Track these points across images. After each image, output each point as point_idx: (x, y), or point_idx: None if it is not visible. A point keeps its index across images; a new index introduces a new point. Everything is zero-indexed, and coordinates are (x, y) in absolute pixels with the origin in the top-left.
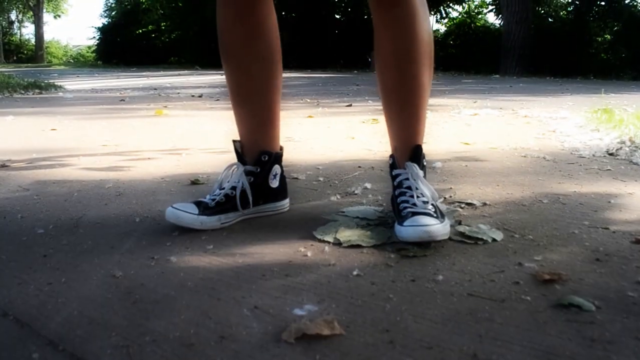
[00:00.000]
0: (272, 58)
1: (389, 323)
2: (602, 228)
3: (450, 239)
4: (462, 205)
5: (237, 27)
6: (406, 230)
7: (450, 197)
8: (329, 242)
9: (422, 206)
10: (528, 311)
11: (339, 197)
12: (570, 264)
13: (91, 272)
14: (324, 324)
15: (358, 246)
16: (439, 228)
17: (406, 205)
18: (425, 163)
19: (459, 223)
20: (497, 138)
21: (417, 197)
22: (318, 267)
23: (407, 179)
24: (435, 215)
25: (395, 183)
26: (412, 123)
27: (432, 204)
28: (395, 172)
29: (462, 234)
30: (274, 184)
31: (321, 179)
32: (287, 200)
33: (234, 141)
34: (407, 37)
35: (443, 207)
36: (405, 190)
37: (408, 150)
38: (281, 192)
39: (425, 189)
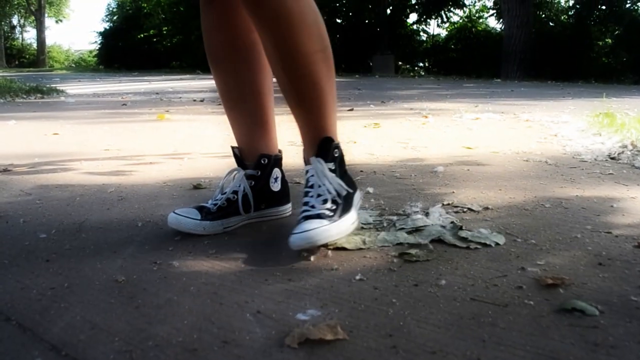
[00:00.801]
0: (258, 59)
1: (392, 328)
2: (604, 232)
3: (450, 243)
4: (464, 210)
5: (220, 29)
6: (291, 239)
7: (452, 201)
8: (322, 247)
9: (318, 207)
10: (531, 316)
11: None
12: (573, 269)
13: (94, 277)
14: (327, 328)
15: (356, 250)
16: (322, 230)
17: (304, 208)
18: (337, 154)
19: (461, 228)
20: (499, 142)
21: (318, 195)
22: (321, 272)
23: (313, 175)
24: (330, 214)
25: (305, 181)
26: (313, 119)
27: (335, 200)
28: (305, 168)
29: (464, 239)
30: (276, 187)
31: None
32: (289, 205)
33: (232, 147)
34: (285, 39)
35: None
36: (308, 189)
37: (314, 145)
38: (283, 196)
39: (330, 184)
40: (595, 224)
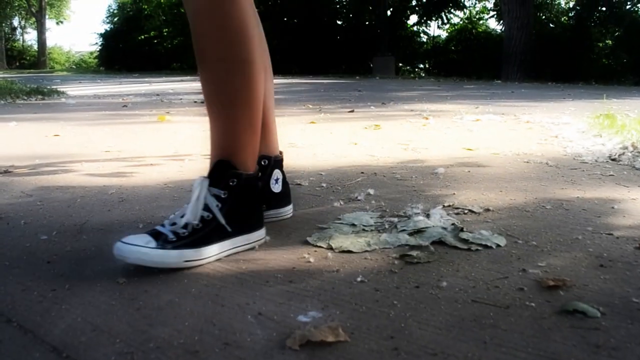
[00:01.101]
0: None
1: (393, 329)
2: (605, 234)
3: (451, 245)
4: (465, 211)
5: None
6: (115, 245)
7: (453, 203)
8: (323, 249)
9: (169, 226)
10: (532, 317)
11: (342, 203)
12: (575, 270)
13: (95, 279)
14: (329, 330)
15: (351, 252)
16: (140, 252)
17: (165, 221)
18: (233, 183)
19: (462, 229)
20: (500, 144)
21: (182, 215)
22: (322, 274)
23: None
24: (172, 238)
25: None
26: (216, 132)
27: (186, 226)
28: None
29: (465, 240)
30: (276, 188)
31: (324, 185)
32: (290, 206)
33: None
34: (200, 35)
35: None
36: (185, 206)
37: (211, 162)
38: (284, 197)
39: (192, 211)
40: (596, 225)
